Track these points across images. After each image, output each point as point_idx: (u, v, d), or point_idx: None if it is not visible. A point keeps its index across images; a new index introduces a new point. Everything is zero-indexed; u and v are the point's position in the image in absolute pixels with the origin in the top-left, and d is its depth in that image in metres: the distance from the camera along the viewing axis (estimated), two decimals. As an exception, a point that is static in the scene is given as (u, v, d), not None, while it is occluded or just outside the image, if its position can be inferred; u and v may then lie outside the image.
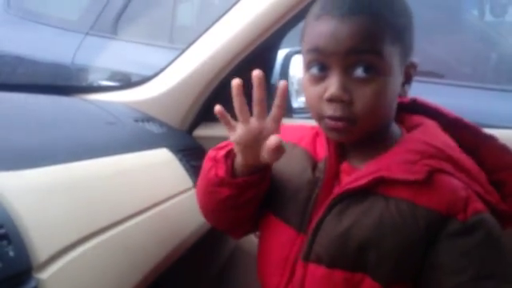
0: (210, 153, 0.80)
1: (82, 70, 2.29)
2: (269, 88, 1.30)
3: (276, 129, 0.70)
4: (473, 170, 0.71)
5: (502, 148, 0.76)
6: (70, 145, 0.81)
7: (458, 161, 0.70)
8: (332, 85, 0.67)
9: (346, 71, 0.67)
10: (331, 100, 0.67)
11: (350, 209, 0.69)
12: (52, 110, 0.95)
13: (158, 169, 0.98)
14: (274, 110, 0.72)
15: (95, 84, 2.15)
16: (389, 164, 0.69)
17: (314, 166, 0.75)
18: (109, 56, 2.32)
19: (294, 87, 1.56)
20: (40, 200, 0.64)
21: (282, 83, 0.72)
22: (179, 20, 2.60)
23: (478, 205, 0.68)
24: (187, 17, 2.72)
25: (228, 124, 0.74)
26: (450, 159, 0.70)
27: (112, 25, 2.41)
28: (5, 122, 0.81)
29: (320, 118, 0.70)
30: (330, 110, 0.68)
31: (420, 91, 0.80)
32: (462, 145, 0.74)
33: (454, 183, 0.68)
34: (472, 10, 2.84)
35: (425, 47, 2.39)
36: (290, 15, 1.10)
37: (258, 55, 1.16)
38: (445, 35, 2.43)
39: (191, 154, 1.13)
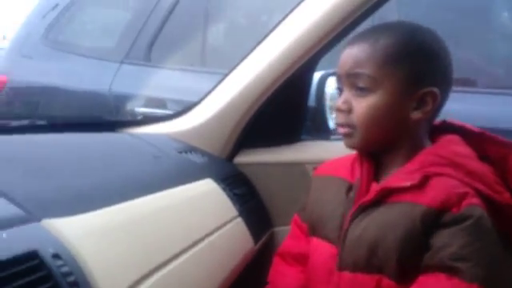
0: None
1: (119, 99, 2.36)
2: (306, 110, 1.33)
3: None
4: (479, 172, 0.80)
5: None
6: (121, 184, 0.84)
7: (462, 165, 0.80)
8: (339, 98, 0.85)
9: (349, 89, 0.83)
10: (336, 110, 0.85)
11: (364, 218, 0.82)
12: (100, 148, 0.98)
13: (204, 200, 1.00)
14: None
15: (132, 112, 2.22)
16: (395, 177, 0.82)
17: (349, 188, 0.88)
18: (144, 83, 2.38)
19: (327, 103, 1.57)
20: (101, 243, 0.67)
21: None
22: (209, 43, 2.65)
23: (474, 200, 0.76)
24: (217, 39, 2.77)
25: None
26: (452, 164, 0.80)
27: (145, 52, 2.48)
28: (58, 166, 0.83)
29: None
30: (336, 118, 0.86)
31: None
32: (488, 155, 0.84)
33: (450, 183, 0.78)
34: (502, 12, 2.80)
35: (456, 54, 2.37)
36: (326, 40, 1.12)
37: (294, 79, 1.18)
38: (476, 40, 2.40)
39: (233, 182, 1.15)
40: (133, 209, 0.80)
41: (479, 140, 0.87)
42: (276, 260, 1.02)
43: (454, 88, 0.87)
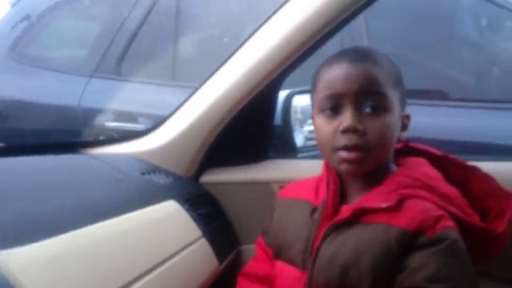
0: None
1: (89, 113, 2.32)
2: (272, 128, 1.33)
3: None
4: (450, 195, 0.81)
5: (486, 177, 0.87)
6: (77, 210, 0.82)
7: (435, 188, 0.81)
8: (346, 118, 0.79)
9: (357, 108, 0.79)
10: (346, 131, 0.79)
11: (337, 237, 0.81)
12: (58, 172, 0.96)
13: (166, 222, 0.99)
14: None
15: (102, 127, 2.19)
16: (369, 197, 0.81)
17: (314, 211, 0.87)
18: (114, 97, 2.36)
19: (297, 116, 1.58)
20: (47, 273, 0.65)
21: None
22: (180, 56, 2.64)
23: (449, 223, 0.76)
24: (188, 53, 2.76)
25: None
26: (426, 187, 0.80)
27: (115, 66, 2.45)
28: (10, 192, 0.81)
29: (333, 151, 0.82)
30: (344, 139, 0.79)
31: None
32: (452, 178, 0.86)
33: (426, 206, 0.78)
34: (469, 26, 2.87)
35: (426, 65, 2.43)
36: (292, 59, 1.13)
37: (260, 97, 1.18)
38: (443, 52, 2.46)
39: (198, 202, 1.14)
40: (88, 235, 0.78)
41: (442, 163, 0.88)
42: (240, 279, 1.02)
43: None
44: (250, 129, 1.24)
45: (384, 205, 0.78)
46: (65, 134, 2.29)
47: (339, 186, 0.87)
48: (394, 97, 0.82)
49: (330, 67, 0.83)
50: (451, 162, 0.89)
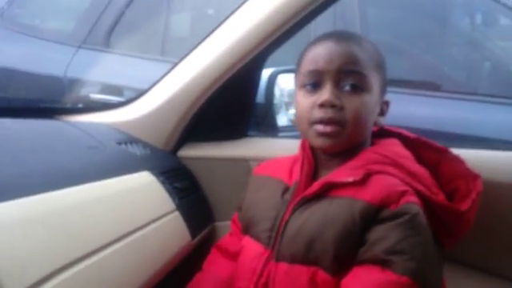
0: None
1: (75, 84, 2.30)
2: (254, 107, 1.32)
3: None
4: (418, 174, 0.82)
5: (456, 159, 0.88)
6: (47, 173, 0.81)
7: (403, 165, 0.82)
8: (325, 93, 0.81)
9: (336, 85, 0.81)
10: (323, 105, 0.81)
11: (305, 211, 0.82)
12: (31, 135, 0.95)
13: (139, 193, 0.98)
14: None
15: (87, 98, 2.17)
16: (338, 172, 0.83)
17: (285, 191, 0.88)
18: (101, 69, 2.32)
19: (284, 99, 1.57)
20: (10, 235, 0.64)
21: None
22: (172, 32, 2.61)
23: (412, 198, 0.77)
24: (180, 29, 2.73)
25: None
26: (395, 164, 0.82)
27: (105, 37, 2.42)
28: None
29: (310, 125, 0.83)
30: (321, 113, 0.81)
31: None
32: (423, 160, 0.87)
33: (391, 181, 0.79)
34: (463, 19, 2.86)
35: (420, 58, 2.42)
36: (274, 37, 1.11)
37: (242, 75, 1.17)
38: (438, 45, 2.45)
39: (175, 175, 1.13)
40: (57, 199, 0.77)
41: (415, 145, 0.90)
42: (213, 251, 1.04)
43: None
44: (231, 105, 1.23)
45: (350, 179, 0.79)
46: (47, 103, 2.26)
47: (313, 167, 0.88)
48: (374, 79, 0.83)
49: (315, 45, 0.86)
50: (423, 145, 0.90)
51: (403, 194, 0.77)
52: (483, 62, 2.55)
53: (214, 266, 1.00)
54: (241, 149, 1.24)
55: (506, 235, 1.00)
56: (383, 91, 0.87)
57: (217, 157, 1.24)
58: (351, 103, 0.81)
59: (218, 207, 1.24)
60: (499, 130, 1.87)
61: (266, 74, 1.34)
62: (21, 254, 0.64)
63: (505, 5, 2.32)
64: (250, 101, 1.27)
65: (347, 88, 0.81)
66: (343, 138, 0.82)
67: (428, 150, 0.90)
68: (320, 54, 0.83)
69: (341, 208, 0.79)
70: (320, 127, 0.82)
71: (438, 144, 0.91)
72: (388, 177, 0.80)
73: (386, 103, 0.89)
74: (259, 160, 1.09)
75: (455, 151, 0.90)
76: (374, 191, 0.78)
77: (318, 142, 0.83)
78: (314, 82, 0.83)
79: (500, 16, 2.64)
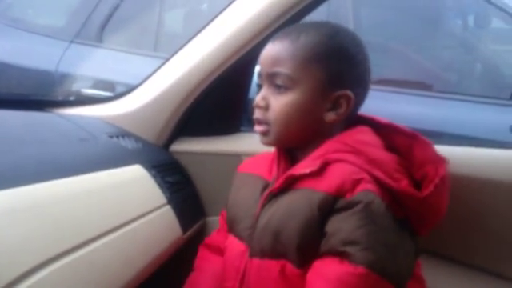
0: None
1: (66, 79, 2.28)
2: (246, 102, 1.32)
3: None
4: (379, 160, 0.80)
5: (425, 143, 0.86)
6: (38, 164, 0.81)
7: (363, 152, 0.80)
8: (258, 95, 0.85)
9: (268, 86, 0.84)
10: (254, 106, 0.86)
11: (272, 205, 0.83)
12: (21, 127, 0.94)
13: (130, 186, 0.98)
14: None
15: (78, 93, 2.15)
16: (299, 164, 0.83)
17: (265, 187, 0.88)
18: (93, 64, 2.31)
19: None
20: (1, 224, 0.64)
21: None
22: (165, 28, 2.60)
23: (369, 185, 0.76)
24: (173, 25, 2.72)
25: None
26: (355, 151, 0.80)
27: (97, 33, 2.41)
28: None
29: None
30: (254, 113, 0.86)
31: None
32: (396, 146, 0.86)
33: (347, 169, 0.78)
34: (456, 20, 2.88)
35: (412, 58, 2.44)
36: (268, 31, 1.11)
37: (235, 70, 1.17)
38: (430, 46, 2.47)
39: (166, 169, 1.13)
40: (47, 190, 0.77)
41: (387, 131, 0.88)
42: (201, 249, 1.04)
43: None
44: (224, 101, 1.23)
45: (308, 170, 0.80)
46: (38, 97, 2.24)
47: (289, 162, 0.88)
48: (306, 76, 0.81)
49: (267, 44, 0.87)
50: (395, 130, 0.88)
51: (358, 181, 0.75)
52: (474, 64, 2.57)
53: (208, 264, 0.99)
54: (233, 144, 1.24)
55: (498, 231, 1.00)
56: (334, 85, 0.82)
57: (209, 152, 1.23)
58: (275, 103, 0.83)
59: (210, 202, 1.24)
60: (488, 130, 1.89)
61: (258, 69, 1.34)
62: (10, 243, 0.64)
63: (497, 6, 2.33)
64: (243, 96, 1.27)
65: (274, 89, 0.83)
66: (273, 136, 0.84)
67: (399, 135, 0.87)
68: (261, 57, 0.86)
69: (301, 200, 0.79)
70: (255, 126, 0.87)
71: (408, 129, 0.88)
72: (345, 165, 0.78)
73: (344, 96, 0.82)
74: (252, 155, 1.09)
75: (447, 149, 0.90)
76: (329, 181, 0.77)
77: (260, 139, 0.88)
78: (260, 84, 0.87)
79: (492, 18, 2.66)
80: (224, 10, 1.15)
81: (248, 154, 1.17)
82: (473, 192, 0.87)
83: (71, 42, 2.37)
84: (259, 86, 0.87)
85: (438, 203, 0.81)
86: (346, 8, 2.26)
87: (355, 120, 0.88)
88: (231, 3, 1.14)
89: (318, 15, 1.14)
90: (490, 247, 1.02)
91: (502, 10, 2.24)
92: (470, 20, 2.83)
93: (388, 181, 0.77)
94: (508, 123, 1.93)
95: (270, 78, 0.83)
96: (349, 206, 0.74)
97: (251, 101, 1.35)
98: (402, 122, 0.92)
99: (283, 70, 0.81)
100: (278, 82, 0.82)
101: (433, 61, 2.48)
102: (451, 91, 2.27)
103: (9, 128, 0.92)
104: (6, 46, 2.43)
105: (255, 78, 1.32)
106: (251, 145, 1.23)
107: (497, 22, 2.62)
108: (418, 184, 0.82)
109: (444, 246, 1.03)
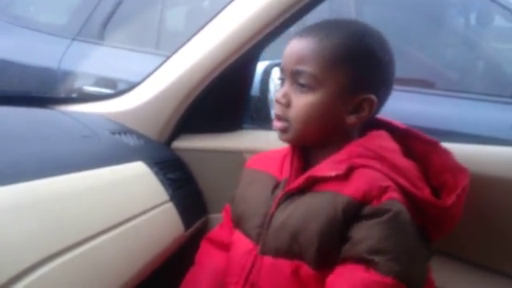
0: None
1: (68, 76, 2.28)
2: (249, 99, 1.32)
3: None
4: (402, 168, 0.80)
5: (445, 152, 0.87)
6: (40, 161, 0.81)
7: (387, 159, 0.80)
8: (279, 91, 0.84)
9: (291, 83, 0.82)
10: (275, 101, 0.84)
11: (289, 205, 0.83)
12: (24, 123, 0.94)
13: (132, 183, 0.98)
14: None
15: (80, 90, 2.16)
16: (321, 166, 0.82)
17: (276, 186, 0.87)
18: (95, 62, 2.31)
19: (271, 94, 1.57)
20: (3, 220, 0.64)
21: None
22: (167, 26, 2.60)
23: (395, 194, 0.76)
24: (175, 22, 2.72)
25: None
26: (378, 157, 0.80)
27: (99, 30, 2.41)
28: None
29: None
30: (275, 108, 0.84)
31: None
32: (413, 152, 0.86)
33: (374, 175, 0.78)
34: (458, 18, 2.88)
35: (414, 56, 2.43)
36: (270, 29, 1.11)
37: (237, 67, 1.16)
38: (432, 44, 2.46)
39: (168, 166, 1.13)
40: (49, 187, 0.77)
41: (404, 136, 0.88)
42: (203, 243, 1.03)
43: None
44: (226, 98, 1.23)
45: (333, 173, 0.79)
46: (41, 94, 2.24)
47: (302, 161, 0.88)
48: (330, 77, 0.79)
49: (289, 41, 0.86)
50: (414, 136, 0.88)
51: (385, 189, 0.75)
52: (477, 62, 2.57)
53: (210, 259, 0.99)
54: (235, 141, 1.23)
55: (501, 230, 1.00)
56: (358, 88, 0.81)
57: (211, 149, 1.23)
58: (297, 102, 0.81)
59: (212, 199, 1.24)
60: (491, 128, 1.88)
61: (260, 66, 1.34)
62: (13, 239, 0.64)
63: (499, 4, 2.33)
64: (245, 93, 1.26)
65: (298, 86, 0.82)
66: (292, 134, 0.83)
67: (417, 141, 0.88)
68: (285, 52, 0.84)
69: (324, 202, 0.78)
70: (274, 122, 0.85)
71: (429, 136, 0.89)
72: (371, 171, 0.78)
73: (367, 100, 0.81)
74: (254, 152, 1.09)
75: (448, 145, 0.90)
76: (356, 185, 0.77)
77: (278, 136, 0.86)
78: (282, 78, 0.86)
79: (495, 16, 2.65)
80: (226, 7, 1.14)
81: (250, 152, 1.17)
82: (473, 189, 0.87)
83: (73, 39, 2.37)
84: (282, 81, 0.85)
85: (457, 212, 0.82)
86: (349, 6, 2.26)
87: (372, 123, 0.88)
88: (233, 1, 1.13)
89: (320, 13, 1.14)
90: (494, 245, 1.02)
91: (504, 7, 2.24)
92: (473, 18, 2.83)
93: (412, 189, 0.78)
94: (510, 121, 1.93)
95: (294, 75, 0.82)
96: (377, 214, 0.74)
97: (253, 98, 1.36)
98: (404, 120, 0.92)
99: (308, 68, 0.80)
100: (302, 80, 0.81)
101: (435, 59, 2.48)
102: (453, 89, 2.27)
103: (11, 125, 0.92)
104: (7, 44, 2.43)
105: (257, 76, 1.33)
106: (253, 142, 1.23)
107: (499, 20, 2.62)
108: (435, 191, 0.82)
109: (449, 245, 1.03)
